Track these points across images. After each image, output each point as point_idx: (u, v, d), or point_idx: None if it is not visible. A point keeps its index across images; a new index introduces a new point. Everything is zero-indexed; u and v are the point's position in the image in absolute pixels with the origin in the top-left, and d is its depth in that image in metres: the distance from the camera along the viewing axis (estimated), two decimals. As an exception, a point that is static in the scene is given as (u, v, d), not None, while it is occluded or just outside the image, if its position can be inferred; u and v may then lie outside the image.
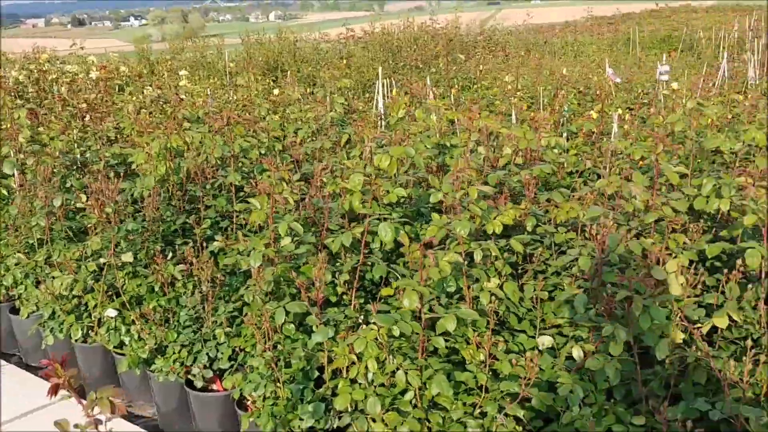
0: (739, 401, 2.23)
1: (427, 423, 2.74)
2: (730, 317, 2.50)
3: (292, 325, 3.14)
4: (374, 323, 2.62)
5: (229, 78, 10.08)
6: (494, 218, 2.98)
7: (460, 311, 2.61)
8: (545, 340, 2.79)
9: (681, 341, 2.53)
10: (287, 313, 2.96)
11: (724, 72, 8.81)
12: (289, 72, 10.98)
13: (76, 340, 4.16)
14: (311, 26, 23.67)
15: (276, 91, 7.05)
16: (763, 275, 2.70)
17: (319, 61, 12.67)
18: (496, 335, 2.94)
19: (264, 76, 11.20)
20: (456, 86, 8.93)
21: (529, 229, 3.16)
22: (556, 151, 3.81)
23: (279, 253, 3.14)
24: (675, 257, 2.63)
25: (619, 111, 5.60)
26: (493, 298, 2.84)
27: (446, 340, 2.93)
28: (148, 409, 4.14)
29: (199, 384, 3.63)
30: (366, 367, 2.75)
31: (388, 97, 6.60)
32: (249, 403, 3.30)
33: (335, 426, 3.01)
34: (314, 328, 2.80)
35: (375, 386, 2.77)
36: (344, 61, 11.44)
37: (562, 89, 7.47)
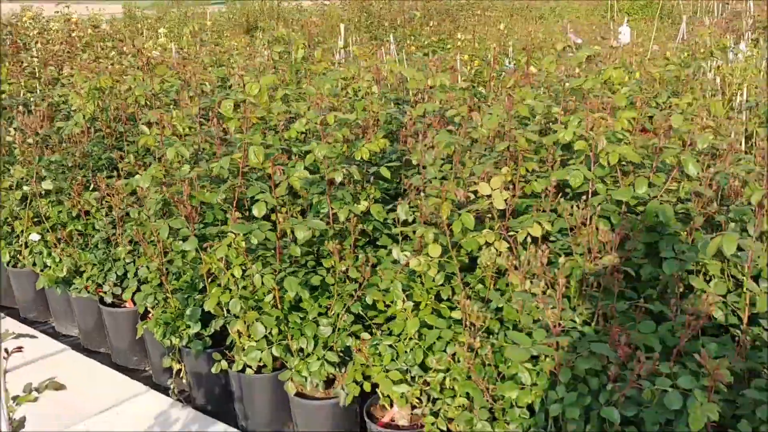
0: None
1: (285, 321, 3.07)
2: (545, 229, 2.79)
3: (180, 242, 3.43)
4: (232, 232, 2.93)
5: (209, 38, 10.32)
6: (362, 146, 3.27)
7: (311, 222, 2.92)
8: (395, 251, 3.07)
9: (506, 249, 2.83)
10: (170, 229, 3.27)
11: (682, 35, 9.04)
12: (261, 31, 11.23)
13: (7, 264, 4.49)
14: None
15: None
16: (589, 195, 2.99)
17: (298, 21, 12.90)
18: (362, 249, 3.24)
19: (244, 35, 11.46)
20: (416, 45, 9.15)
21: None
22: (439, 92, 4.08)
23: (171, 177, 3.44)
24: (497, 176, 2.91)
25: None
26: (354, 216, 3.13)
27: (309, 252, 3.26)
28: (73, 329, 4.47)
29: (109, 300, 3.97)
30: (233, 274, 3.06)
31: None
32: (150, 315, 3.64)
33: (218, 328, 3.35)
34: (183, 240, 3.11)
35: (239, 290, 3.08)
36: (316, 19, 11.65)
37: (510, 47, 7.72)
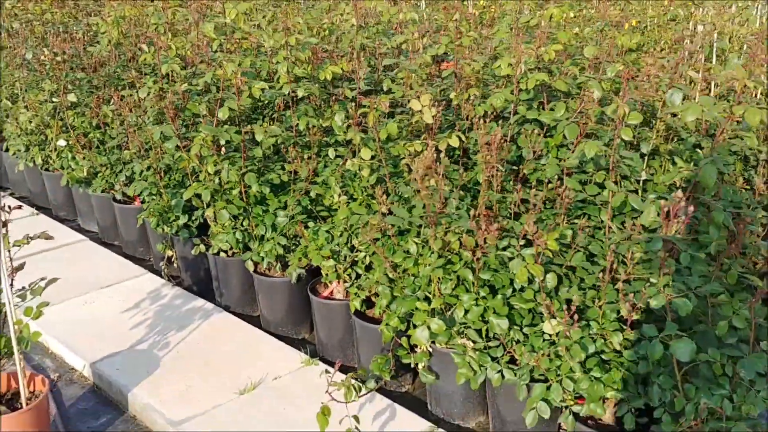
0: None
1: (249, 212, 3.66)
2: (460, 139, 3.30)
3: (171, 141, 3.99)
4: (203, 132, 3.51)
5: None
6: (326, 67, 3.81)
7: (269, 127, 3.49)
8: (330, 152, 3.60)
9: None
10: (162, 133, 3.88)
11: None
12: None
13: (39, 166, 5.21)
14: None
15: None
16: (511, 116, 3.47)
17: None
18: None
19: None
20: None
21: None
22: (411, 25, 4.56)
23: (169, 90, 4.04)
24: (426, 95, 3.40)
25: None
26: (314, 127, 3.68)
27: (277, 157, 3.83)
28: (94, 225, 5.18)
29: (119, 196, 4.63)
30: (207, 171, 3.66)
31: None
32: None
33: (203, 220, 3.97)
34: (166, 139, 3.72)
35: (213, 184, 3.67)
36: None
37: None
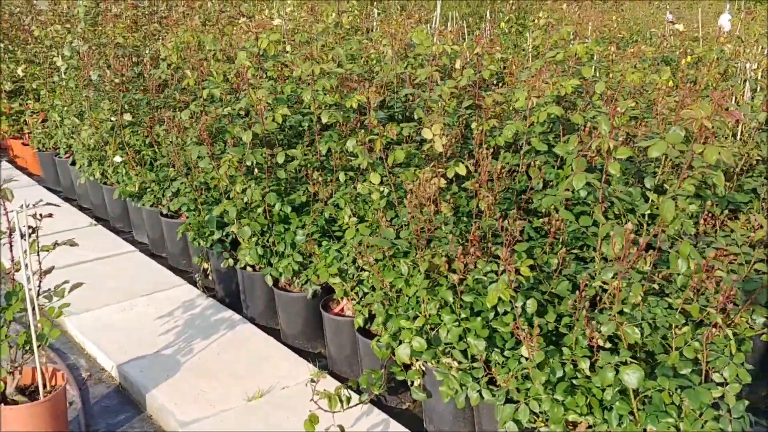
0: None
1: (271, 229, 3.88)
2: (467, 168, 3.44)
3: (204, 161, 4.25)
4: (230, 153, 3.76)
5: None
6: (354, 96, 4.01)
7: (291, 150, 3.71)
8: (341, 176, 3.79)
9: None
10: (199, 153, 4.15)
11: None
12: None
13: (98, 180, 5.60)
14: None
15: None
16: (523, 147, 3.59)
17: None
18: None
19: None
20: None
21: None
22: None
23: (204, 113, 4.32)
24: (437, 123, 3.56)
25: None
26: (337, 152, 3.88)
27: (299, 178, 4.05)
28: (145, 238, 5.51)
29: (165, 211, 4.94)
30: (236, 190, 3.91)
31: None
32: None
33: (234, 236, 4.22)
34: (200, 158, 3.98)
35: (241, 202, 3.91)
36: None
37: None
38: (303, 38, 5.78)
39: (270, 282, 3.89)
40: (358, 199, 3.65)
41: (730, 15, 8.66)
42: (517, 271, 2.63)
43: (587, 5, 13.59)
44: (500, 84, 5.08)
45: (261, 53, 4.14)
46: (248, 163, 3.77)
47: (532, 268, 3.05)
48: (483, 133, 3.56)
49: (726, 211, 3.54)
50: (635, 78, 3.56)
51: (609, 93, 3.80)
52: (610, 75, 4.31)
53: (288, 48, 5.46)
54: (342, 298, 3.67)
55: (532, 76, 4.25)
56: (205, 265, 4.52)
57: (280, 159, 3.67)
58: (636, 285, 2.32)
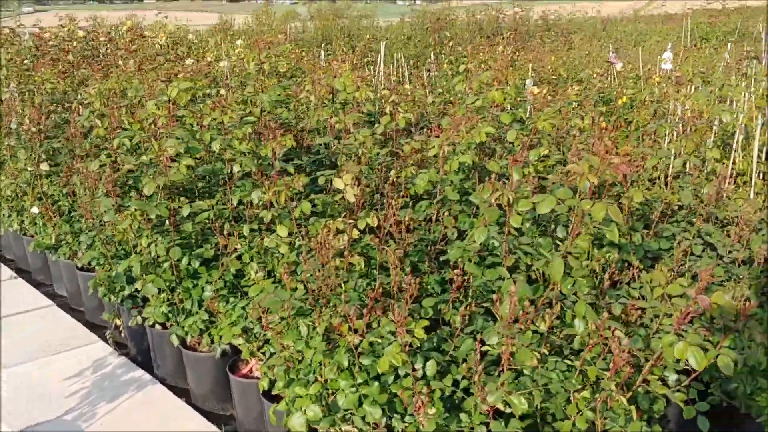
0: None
1: (178, 285, 3.69)
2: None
3: (110, 214, 4.04)
4: (133, 206, 3.58)
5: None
6: (269, 144, 3.87)
7: (195, 203, 3.55)
8: (245, 229, 3.64)
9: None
10: (104, 206, 3.96)
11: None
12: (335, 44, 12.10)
13: (15, 231, 5.36)
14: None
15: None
16: (437, 195, 3.47)
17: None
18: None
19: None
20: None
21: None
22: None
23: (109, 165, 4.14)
24: (349, 173, 3.42)
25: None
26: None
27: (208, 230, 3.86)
28: (65, 291, 5.28)
29: (80, 264, 4.73)
30: (142, 243, 3.71)
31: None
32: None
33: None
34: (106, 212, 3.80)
35: (147, 257, 3.73)
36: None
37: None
38: (235, 82, 5.67)
39: (176, 342, 3.69)
40: (268, 252, 3.49)
41: (671, 54, 8.72)
42: (412, 333, 2.48)
43: (535, 45, 13.83)
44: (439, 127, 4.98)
45: (172, 101, 3.99)
46: (152, 216, 3.59)
47: (437, 324, 2.92)
48: (394, 183, 3.43)
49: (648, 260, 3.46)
50: (546, 125, 3.46)
51: (525, 139, 3.71)
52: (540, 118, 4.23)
53: (222, 92, 5.34)
54: (250, 358, 3.49)
55: (457, 124, 4.18)
56: (118, 322, 4.31)
57: (185, 212, 3.50)
58: (523, 350, 2.18)
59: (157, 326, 3.88)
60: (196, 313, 3.59)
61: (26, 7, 42.99)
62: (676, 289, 2.26)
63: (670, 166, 3.81)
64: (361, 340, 2.59)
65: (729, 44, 9.23)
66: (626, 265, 3.24)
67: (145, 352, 4.18)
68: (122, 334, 4.33)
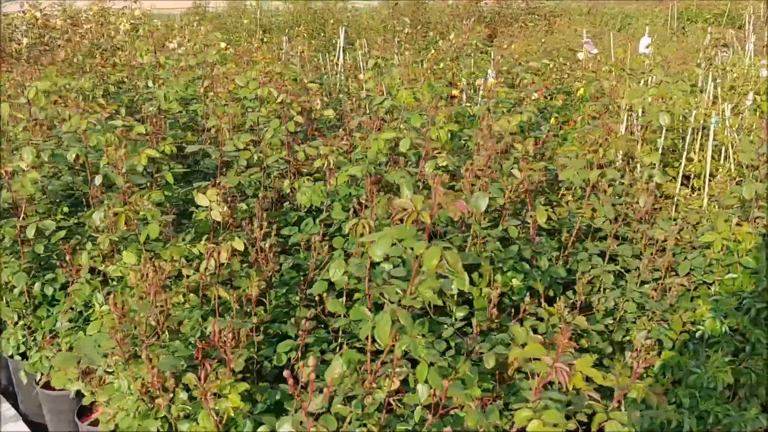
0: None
1: (33, 314, 3.25)
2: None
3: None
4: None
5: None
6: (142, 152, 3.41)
7: (44, 221, 3.09)
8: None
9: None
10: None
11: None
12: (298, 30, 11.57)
13: None
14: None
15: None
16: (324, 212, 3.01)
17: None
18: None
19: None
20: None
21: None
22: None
23: None
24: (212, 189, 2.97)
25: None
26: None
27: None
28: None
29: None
30: None
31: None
32: None
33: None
34: None
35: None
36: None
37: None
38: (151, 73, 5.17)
39: (24, 378, 3.25)
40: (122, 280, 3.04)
41: (649, 39, 8.21)
42: (227, 398, 2.04)
43: (516, 30, 13.32)
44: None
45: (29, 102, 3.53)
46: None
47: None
48: (284, 196, 3.00)
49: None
50: (441, 134, 3.00)
51: (428, 148, 3.25)
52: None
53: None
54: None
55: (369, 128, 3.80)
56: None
57: (30, 233, 3.05)
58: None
59: (17, 357, 3.44)
60: (43, 348, 3.14)
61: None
62: (534, 351, 1.81)
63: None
64: (170, 406, 2.15)
65: (709, 30, 8.72)
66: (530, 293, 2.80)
67: (14, 384, 3.74)
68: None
